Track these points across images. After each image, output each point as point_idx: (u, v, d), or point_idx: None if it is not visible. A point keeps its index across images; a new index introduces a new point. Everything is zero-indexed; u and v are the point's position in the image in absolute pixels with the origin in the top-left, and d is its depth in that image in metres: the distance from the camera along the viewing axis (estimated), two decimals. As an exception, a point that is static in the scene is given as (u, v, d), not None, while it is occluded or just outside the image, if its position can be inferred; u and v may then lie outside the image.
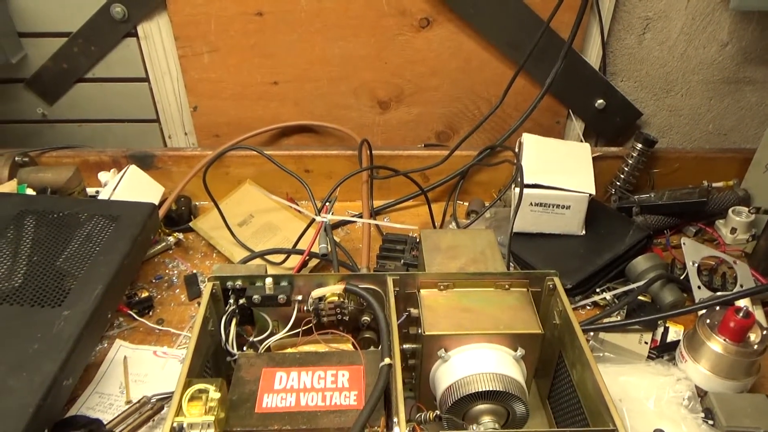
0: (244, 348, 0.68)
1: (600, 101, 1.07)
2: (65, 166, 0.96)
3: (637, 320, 0.82)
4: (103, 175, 0.99)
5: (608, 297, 0.89)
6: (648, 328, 0.82)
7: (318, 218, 0.80)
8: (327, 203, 0.82)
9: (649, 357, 0.79)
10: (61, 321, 0.67)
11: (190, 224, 1.00)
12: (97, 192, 0.97)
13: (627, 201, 1.04)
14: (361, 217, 0.98)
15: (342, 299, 0.66)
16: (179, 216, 1.01)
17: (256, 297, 0.65)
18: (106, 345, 0.81)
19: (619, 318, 0.84)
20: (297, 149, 1.06)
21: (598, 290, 0.90)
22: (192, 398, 0.54)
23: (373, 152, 1.03)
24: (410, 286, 0.68)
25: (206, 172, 0.92)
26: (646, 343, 0.79)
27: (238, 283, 0.66)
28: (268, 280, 0.65)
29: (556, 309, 0.67)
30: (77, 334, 0.65)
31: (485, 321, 0.63)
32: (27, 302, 0.69)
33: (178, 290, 0.90)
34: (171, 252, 0.97)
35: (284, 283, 0.66)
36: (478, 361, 0.61)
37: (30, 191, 0.88)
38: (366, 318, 0.69)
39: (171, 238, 0.97)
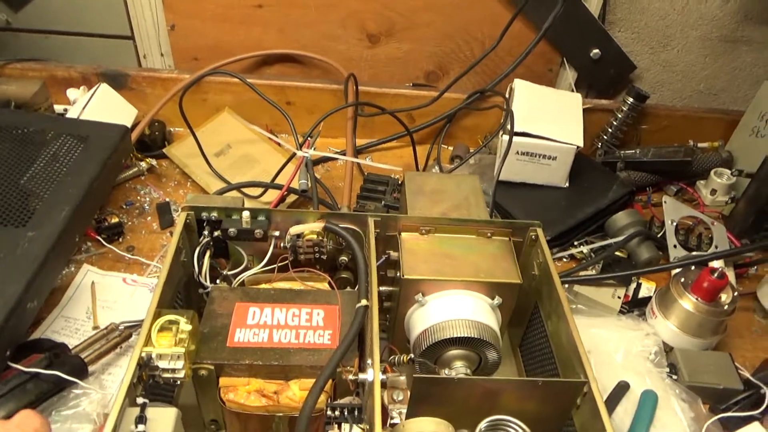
0: (218, 281, 0.66)
1: (595, 51, 1.03)
2: (31, 79, 0.90)
3: (612, 275, 0.83)
4: (71, 92, 0.93)
5: (585, 250, 0.90)
6: (622, 283, 0.83)
7: (299, 153, 0.77)
8: (309, 138, 0.79)
9: (620, 311, 0.80)
10: (25, 242, 0.64)
11: (164, 150, 0.96)
12: (66, 110, 0.92)
13: (612, 156, 1.03)
14: (344, 154, 0.95)
15: (321, 237, 0.64)
16: (153, 141, 0.96)
17: (231, 230, 0.63)
18: (73, 269, 0.79)
19: (594, 272, 0.85)
20: (279, 79, 1.02)
21: (576, 243, 0.91)
22: (162, 329, 0.52)
23: (359, 88, 0.99)
24: (391, 229, 0.66)
25: (183, 96, 0.87)
26: (619, 297, 0.80)
27: (214, 214, 0.64)
28: (245, 214, 0.63)
29: (536, 260, 0.67)
30: (43, 256, 0.63)
31: (465, 268, 0.63)
32: (-10, 221, 0.66)
33: (149, 218, 0.87)
34: (143, 178, 0.94)
35: (262, 218, 0.64)
36: (455, 308, 0.61)
37: (-8, 104, 0.83)
38: (344, 258, 0.67)
39: (143, 164, 0.93)
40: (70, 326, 0.72)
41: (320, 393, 0.50)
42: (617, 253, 0.88)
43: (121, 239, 0.83)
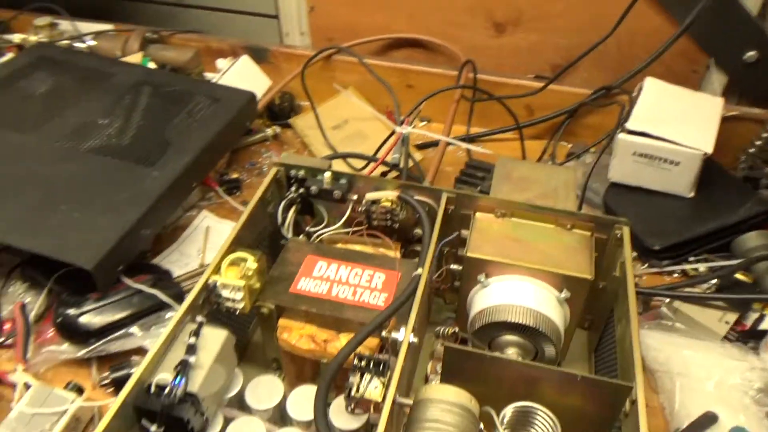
0: (301, 236, 0.71)
1: (751, 53, 0.92)
2: (188, 48, 1.03)
3: (727, 296, 0.73)
4: (220, 62, 1.05)
5: (702, 268, 0.80)
6: (737, 308, 0.73)
7: (398, 129, 0.79)
8: (409, 116, 0.81)
9: (726, 338, 0.71)
10: (149, 179, 0.74)
11: (289, 120, 1.04)
12: (213, 77, 1.04)
13: (757, 172, 0.91)
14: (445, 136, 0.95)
15: (394, 206, 0.66)
16: (281, 111, 1.05)
17: (314, 188, 0.67)
18: (194, 213, 0.89)
19: (705, 291, 0.76)
20: (403, 63, 1.05)
21: (691, 259, 0.82)
22: (232, 263, 0.58)
23: (478, 76, 0.99)
24: (467, 207, 0.66)
25: (304, 70, 0.94)
26: (727, 323, 0.71)
27: (301, 172, 0.69)
28: (327, 174, 0.67)
29: (618, 260, 0.62)
30: (159, 193, 0.72)
31: (534, 255, 0.60)
32: (128, 159, 0.77)
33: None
34: (267, 143, 1.03)
35: (343, 181, 0.68)
36: (517, 293, 0.59)
37: (152, 65, 0.97)
38: (418, 231, 0.68)
39: (269, 131, 1.02)
40: (182, 260, 0.82)
41: (357, 346, 0.52)
42: (739, 275, 0.78)
43: (238, 193, 0.92)
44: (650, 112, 0.85)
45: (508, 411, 0.47)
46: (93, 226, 0.67)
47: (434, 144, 1.01)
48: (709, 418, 0.62)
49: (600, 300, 0.67)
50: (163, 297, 0.69)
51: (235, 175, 0.93)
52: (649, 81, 0.91)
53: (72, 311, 0.66)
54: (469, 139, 1.00)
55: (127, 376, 0.51)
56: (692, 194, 0.86)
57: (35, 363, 0.68)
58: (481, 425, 0.48)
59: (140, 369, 0.48)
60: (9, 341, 0.70)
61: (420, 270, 0.58)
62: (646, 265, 0.82)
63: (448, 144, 0.97)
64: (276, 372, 0.64)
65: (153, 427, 0.47)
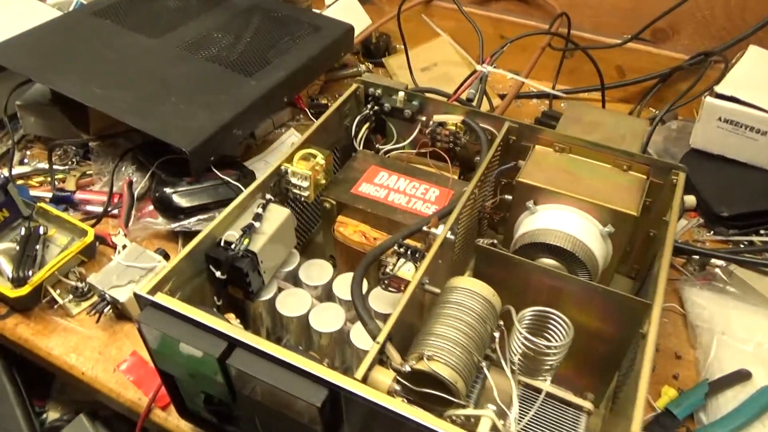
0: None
1: None
2: (300, -18, 1.11)
3: (790, 270, 0.72)
4: (329, -2, 1.12)
5: (771, 243, 0.78)
6: (797, 281, 0.71)
7: (478, 67, 0.82)
8: (492, 56, 0.84)
9: (779, 307, 0.69)
10: (246, 86, 0.83)
11: (383, 59, 1.10)
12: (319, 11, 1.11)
13: None
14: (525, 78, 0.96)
15: (458, 130, 0.70)
16: (376, 49, 1.11)
17: (387, 106, 0.73)
18: (283, 130, 0.98)
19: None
20: (499, 13, 1.07)
21: (762, 231, 0.79)
22: (303, 158, 0.65)
23: (572, 31, 0.99)
24: (527, 139, 0.69)
25: (400, 10, 0.99)
26: (783, 292, 0.70)
27: (379, 91, 0.74)
28: (401, 94, 0.72)
29: (671, 207, 0.63)
30: (253, 100, 0.81)
31: (583, 187, 0.63)
32: (232, 68, 0.86)
33: (352, 108, 1.02)
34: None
35: (414, 102, 0.73)
36: (560, 220, 0.62)
37: (266, -7, 1.05)
38: (479, 159, 0.72)
39: (363, 66, 1.09)
40: (266, 168, 0.91)
41: (398, 240, 0.57)
42: (810, 254, 0.75)
43: (324, 118, 1.00)
44: (744, 78, 0.83)
45: (527, 312, 0.51)
46: (194, 117, 0.77)
47: (519, 96, 1.02)
48: (743, 375, 0.63)
49: (649, 249, 0.68)
50: (244, 190, 0.78)
51: (323, 101, 1.01)
52: (752, 49, 0.88)
53: (168, 189, 0.77)
54: (554, 96, 1.00)
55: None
56: (776, 168, 0.82)
57: (134, 230, 0.79)
58: (501, 322, 0.52)
59: (213, 224, 0.56)
60: (116, 211, 0.83)
61: (469, 188, 0.62)
62: (712, 232, 0.80)
63: (527, 95, 0.99)
64: (333, 268, 0.71)
65: (218, 273, 0.55)
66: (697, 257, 0.75)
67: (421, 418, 0.40)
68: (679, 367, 0.67)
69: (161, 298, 0.48)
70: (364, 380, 0.44)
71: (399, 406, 0.41)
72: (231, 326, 0.46)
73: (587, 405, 0.53)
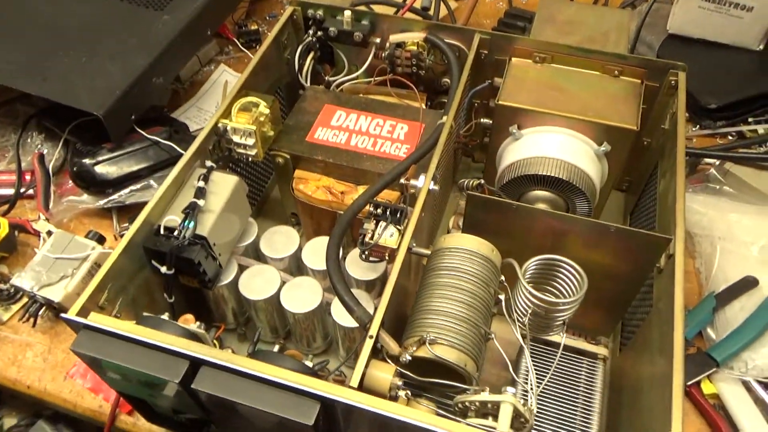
0: (320, 87, 0.66)
1: None
2: None
3: (785, 160, 0.67)
4: None
5: (762, 130, 0.73)
6: (795, 172, 0.66)
7: (430, -33, 0.70)
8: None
9: (779, 203, 0.65)
10: (159, 24, 0.69)
11: (314, -33, 0.95)
12: None
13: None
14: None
15: (421, 50, 0.60)
16: (305, -44, 0.96)
17: (332, 30, 0.61)
18: (213, 68, 0.84)
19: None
20: None
21: (751, 119, 0.74)
22: (243, 109, 0.54)
23: None
24: (502, 52, 0.59)
25: None
26: (782, 186, 0.65)
27: (320, 12, 0.62)
28: (347, 14, 0.60)
29: (669, 111, 0.56)
30: (171, 38, 0.67)
31: (573, 104, 0.54)
32: (137, 2, 0.71)
33: (287, 31, 0.89)
34: (290, -8, 0.94)
35: (364, 21, 0.61)
36: (550, 145, 0.54)
37: None
38: (446, 80, 0.63)
39: (292, -22, 0.94)
40: (201, 116, 0.79)
41: (374, 195, 0.49)
42: (804, 138, 0.70)
43: (257, 46, 0.86)
44: (725, -53, 0.73)
45: (532, 263, 0.44)
46: (102, 71, 0.64)
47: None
48: (749, 282, 0.59)
49: (642, 159, 0.61)
50: (179, 149, 0.67)
51: (253, 27, 0.87)
52: None
53: (87, 160, 0.65)
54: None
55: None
56: (761, 47, 0.76)
57: (57, 212, 0.68)
58: (503, 278, 0.46)
59: (147, 209, 0.46)
60: (31, 191, 0.70)
61: (445, 119, 0.53)
62: (698, 126, 0.74)
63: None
64: (295, 227, 0.63)
65: (163, 268, 0.46)
66: (687, 158, 0.69)
67: (426, 422, 0.33)
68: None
69: (96, 320, 0.39)
70: (361, 383, 0.37)
71: (403, 412, 0.34)
72: (190, 343, 0.38)
73: (602, 351, 0.49)
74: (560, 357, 0.48)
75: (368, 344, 0.38)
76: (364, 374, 0.38)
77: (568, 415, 0.45)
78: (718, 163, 0.68)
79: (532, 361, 0.48)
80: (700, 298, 0.60)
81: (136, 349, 0.38)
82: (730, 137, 0.74)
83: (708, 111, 0.73)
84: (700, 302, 0.59)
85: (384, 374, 0.38)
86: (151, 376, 0.38)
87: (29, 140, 0.72)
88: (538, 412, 0.45)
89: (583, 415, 0.45)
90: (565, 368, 0.48)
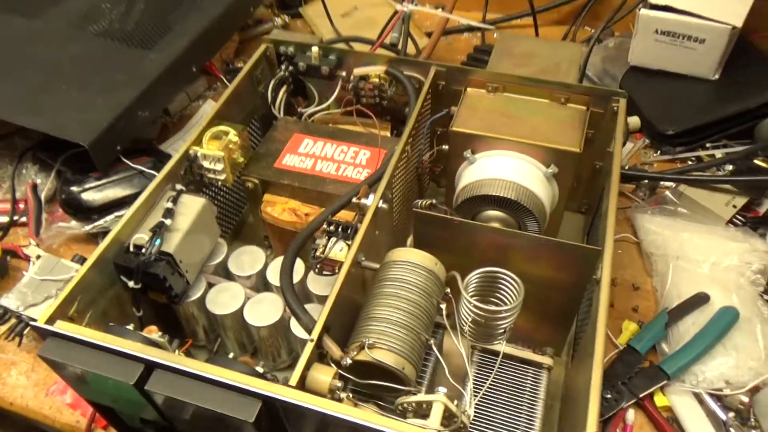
0: (294, 117, 0.70)
1: None
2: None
3: (740, 179, 0.69)
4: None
5: (719, 155, 0.76)
6: (748, 192, 0.69)
7: (398, 7, 0.76)
8: (413, -7, 0.77)
9: (731, 223, 0.67)
10: (146, 61, 0.74)
11: (299, 9, 1.01)
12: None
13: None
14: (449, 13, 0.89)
15: (383, 82, 0.64)
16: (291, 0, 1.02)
17: (301, 64, 0.66)
18: (201, 103, 0.90)
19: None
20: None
21: (708, 145, 0.77)
22: (214, 137, 0.58)
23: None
24: (458, 83, 0.63)
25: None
26: (734, 206, 0.68)
27: (291, 49, 0.67)
28: (314, 49, 0.65)
29: (614, 134, 0.59)
30: (157, 75, 0.72)
31: (522, 129, 0.58)
32: (128, 42, 0.77)
33: (274, 69, 0.94)
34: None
35: (331, 56, 0.66)
36: (501, 168, 0.57)
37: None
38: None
39: (279, 20, 1.00)
40: (187, 147, 0.83)
41: (328, 215, 0.52)
42: (758, 161, 0.73)
43: (243, 83, 0.91)
44: (677, -16, 0.78)
45: (473, 275, 0.47)
46: (90, 105, 0.68)
47: (450, 32, 0.96)
48: (701, 298, 0.61)
49: (596, 182, 0.65)
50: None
51: (240, 65, 0.92)
52: (683, -48, 0.83)
53: (75, 188, 0.69)
54: (484, 27, 0.94)
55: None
56: (717, 76, 0.79)
57: (47, 238, 0.72)
58: (448, 290, 0.49)
59: (117, 227, 0.50)
60: (24, 219, 0.75)
61: (401, 145, 0.56)
62: (659, 152, 0.78)
63: (457, 29, 0.92)
64: (267, 250, 0.66)
65: (131, 283, 0.49)
66: (646, 182, 0.73)
67: (361, 419, 0.36)
68: (638, 299, 0.65)
69: (62, 327, 0.42)
70: (302, 383, 0.40)
71: (338, 408, 0.36)
72: (145, 347, 0.41)
73: (547, 361, 0.51)
74: (507, 366, 0.50)
75: (309, 347, 0.41)
76: (305, 376, 0.40)
77: (510, 421, 0.47)
78: (674, 186, 0.71)
79: (480, 369, 0.50)
80: (656, 314, 0.62)
81: (96, 354, 0.41)
82: (689, 162, 0.77)
83: (667, 137, 0.76)
84: (653, 318, 0.61)
85: (323, 376, 0.40)
86: (109, 379, 0.41)
87: (24, 171, 0.76)
88: (482, 417, 0.47)
89: (525, 422, 0.47)
90: (511, 377, 0.50)
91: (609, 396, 0.56)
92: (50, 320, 0.43)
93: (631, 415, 0.56)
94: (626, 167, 0.74)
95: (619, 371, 0.58)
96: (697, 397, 0.56)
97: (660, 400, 0.57)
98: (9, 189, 0.76)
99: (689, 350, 0.58)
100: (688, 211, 0.69)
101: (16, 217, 0.74)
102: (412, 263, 0.47)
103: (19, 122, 0.67)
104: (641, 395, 0.56)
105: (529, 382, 0.50)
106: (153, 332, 0.47)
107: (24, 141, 0.79)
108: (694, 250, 0.64)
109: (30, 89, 0.70)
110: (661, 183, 0.72)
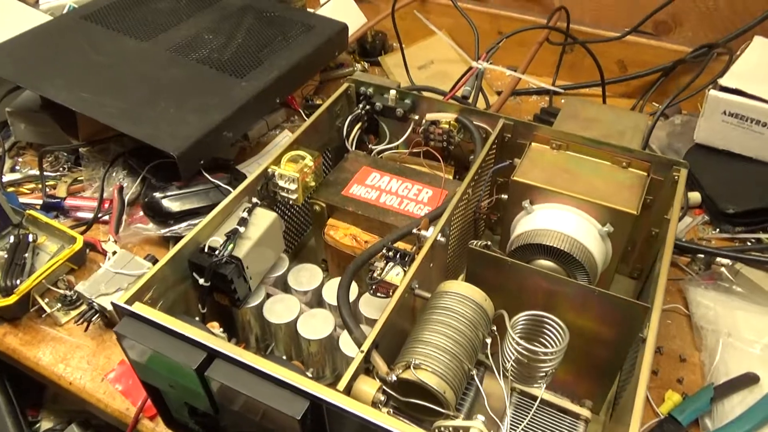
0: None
1: None
2: (293, -18, 1.09)
3: (799, 268, 0.69)
4: (324, -3, 1.10)
5: (780, 240, 0.75)
6: (808, 280, 0.68)
7: (474, 64, 0.80)
8: (488, 52, 0.82)
9: (788, 307, 0.67)
10: (238, 89, 0.81)
11: (379, 58, 1.08)
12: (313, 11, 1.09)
13: None
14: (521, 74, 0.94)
15: (452, 128, 0.68)
16: (372, 48, 1.09)
17: (378, 104, 0.71)
18: (278, 132, 0.96)
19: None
20: (496, 8, 1.04)
21: (769, 229, 0.77)
22: (291, 160, 0.63)
23: (571, 25, 0.96)
24: (523, 137, 0.66)
25: (394, 7, 0.97)
26: (792, 292, 0.67)
27: (370, 89, 0.72)
28: (392, 92, 0.70)
29: (672, 204, 0.60)
30: (244, 101, 0.79)
31: (581, 186, 0.60)
32: (223, 70, 0.84)
33: (347, 109, 1.00)
34: (355, 77, 1.07)
35: (407, 100, 0.71)
36: (557, 220, 0.60)
37: (259, -7, 1.04)
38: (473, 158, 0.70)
39: (359, 66, 1.07)
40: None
41: (387, 243, 0.55)
42: (822, 251, 0.72)
43: (319, 119, 0.98)
44: (750, 70, 0.80)
45: (521, 317, 0.49)
46: (184, 121, 0.75)
47: (518, 93, 1.00)
48: (750, 378, 0.60)
49: (651, 248, 0.65)
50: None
51: (318, 101, 0.99)
52: (757, 40, 0.85)
53: (157, 194, 0.75)
54: (553, 91, 0.98)
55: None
56: (784, 163, 0.80)
57: (125, 236, 0.78)
58: (495, 327, 0.50)
59: (196, 229, 0.54)
60: (107, 217, 0.81)
61: (462, 188, 0.60)
62: (718, 230, 0.78)
63: (526, 92, 0.96)
64: (324, 273, 0.70)
65: (201, 280, 0.53)
66: (702, 256, 0.73)
67: (401, 430, 0.38)
68: (684, 371, 0.64)
69: (139, 308, 0.47)
70: (348, 391, 0.42)
71: (381, 418, 0.39)
72: (210, 336, 0.45)
73: (585, 413, 0.51)
74: (544, 412, 0.51)
75: (358, 357, 0.43)
76: (350, 386, 0.43)
77: (543, 466, 0.48)
78: (730, 263, 0.71)
79: (517, 411, 0.51)
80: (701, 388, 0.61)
81: (165, 337, 0.45)
82: (749, 243, 0.76)
83: (727, 216, 0.77)
84: (698, 391, 0.61)
85: (368, 388, 0.43)
86: (172, 362, 0.44)
87: (114, 174, 0.83)
88: (514, 458, 0.48)
89: (558, 469, 0.48)
90: (547, 422, 0.50)
91: (645, 462, 0.55)
92: (129, 302, 0.47)
93: (666, 484, 0.55)
94: (683, 240, 0.75)
95: (657, 439, 0.57)
96: (737, 477, 0.55)
97: (698, 475, 0.56)
98: (98, 189, 0.83)
99: (733, 429, 0.57)
100: (743, 290, 0.68)
101: (100, 215, 0.81)
102: (462, 295, 0.49)
103: (121, 129, 0.74)
104: (679, 467, 0.55)
105: (565, 431, 0.50)
106: (215, 327, 0.50)
107: (117, 147, 0.86)
108: (747, 328, 0.64)
109: (134, 102, 0.78)
110: (717, 260, 0.72)
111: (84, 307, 0.69)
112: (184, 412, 0.53)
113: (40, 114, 0.88)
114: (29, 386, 0.83)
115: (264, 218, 0.58)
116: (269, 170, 0.62)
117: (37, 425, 0.84)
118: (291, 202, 0.62)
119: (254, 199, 0.59)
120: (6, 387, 0.78)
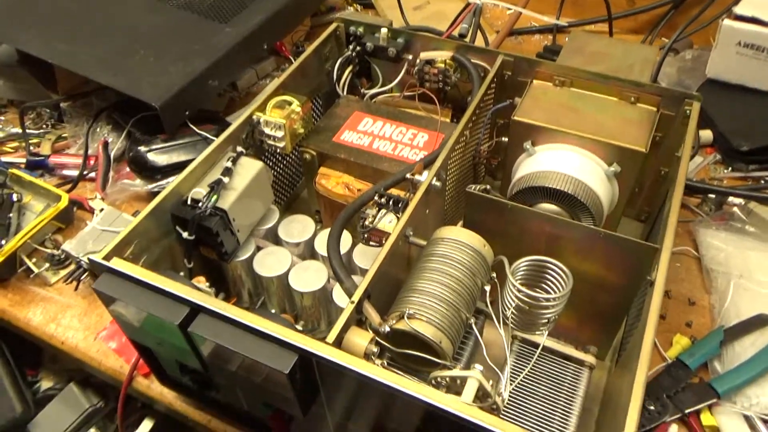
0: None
1: None
2: None
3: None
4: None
5: (795, 177, 0.72)
6: (824, 217, 0.65)
7: (471, 0, 0.75)
8: (486, -14, 0.77)
9: (803, 246, 0.64)
10: (221, 35, 0.76)
11: (372, 0, 1.02)
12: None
13: None
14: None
15: (448, 67, 0.64)
16: (365, -11, 1.03)
17: (369, 45, 0.67)
18: (268, 81, 0.92)
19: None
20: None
21: (785, 166, 0.73)
22: (278, 106, 0.60)
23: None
24: (524, 74, 0.62)
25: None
26: (808, 230, 0.64)
27: (360, 29, 0.68)
28: (383, 31, 0.66)
29: (683, 141, 0.57)
30: (229, 48, 0.75)
31: (586, 124, 0.57)
32: (206, 16, 0.80)
33: (340, 55, 0.96)
34: (347, 21, 1.02)
35: (399, 39, 0.66)
36: (560, 161, 0.56)
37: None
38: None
39: (351, 9, 1.01)
40: (251, 123, 0.85)
41: (383, 188, 0.52)
42: (839, 188, 0.69)
43: (311, 66, 0.93)
44: (767, -4, 0.75)
45: (521, 263, 0.46)
46: (165, 70, 0.71)
47: (518, 32, 0.95)
48: (762, 320, 0.58)
49: (659, 189, 0.62)
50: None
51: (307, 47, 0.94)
52: (775, -36, 0.79)
53: (142, 148, 0.72)
54: (559, 29, 0.93)
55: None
56: (802, 96, 0.75)
57: (111, 193, 0.75)
58: (494, 275, 0.48)
59: (177, 180, 0.51)
60: (93, 174, 0.78)
61: (459, 129, 0.56)
62: (730, 168, 0.74)
63: (528, 30, 0.91)
64: (317, 224, 0.67)
65: (185, 234, 0.51)
66: (713, 196, 0.69)
67: (394, 382, 0.36)
68: (693, 314, 0.62)
69: (117, 264, 0.44)
70: (339, 343, 0.40)
71: (374, 370, 0.36)
72: (194, 291, 0.42)
73: (589, 359, 0.49)
74: (547, 359, 0.49)
75: (348, 308, 0.41)
76: (341, 338, 0.40)
77: (545, 415, 0.46)
78: (743, 203, 0.67)
79: (519, 359, 0.49)
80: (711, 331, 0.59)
81: (145, 292, 0.43)
82: (762, 181, 0.73)
83: (740, 153, 0.73)
84: (708, 334, 0.58)
85: (360, 339, 0.40)
86: (155, 319, 0.42)
87: (98, 129, 0.80)
88: (516, 405, 0.46)
89: (561, 418, 0.46)
90: (550, 370, 0.48)
91: (652, 408, 0.53)
92: (107, 257, 0.45)
93: (674, 430, 0.53)
94: (694, 180, 0.72)
95: (665, 384, 0.55)
96: (748, 420, 0.53)
97: (707, 419, 0.54)
98: (82, 145, 0.79)
99: (745, 371, 0.55)
100: (756, 230, 0.65)
101: (85, 172, 0.78)
102: (459, 241, 0.46)
103: (100, 80, 0.70)
104: (687, 411, 0.54)
105: (568, 378, 0.48)
106: (201, 282, 0.48)
107: (100, 102, 0.83)
108: (759, 269, 0.61)
109: (112, 52, 0.74)
110: (730, 199, 0.68)
111: (73, 266, 0.67)
112: (176, 369, 0.52)
113: (17, 69, 0.84)
114: (28, 347, 0.82)
115: (250, 168, 0.55)
116: (254, 117, 0.58)
117: (37, 385, 0.84)
118: (279, 150, 0.59)
119: (239, 148, 0.56)
120: (2, 348, 0.77)
